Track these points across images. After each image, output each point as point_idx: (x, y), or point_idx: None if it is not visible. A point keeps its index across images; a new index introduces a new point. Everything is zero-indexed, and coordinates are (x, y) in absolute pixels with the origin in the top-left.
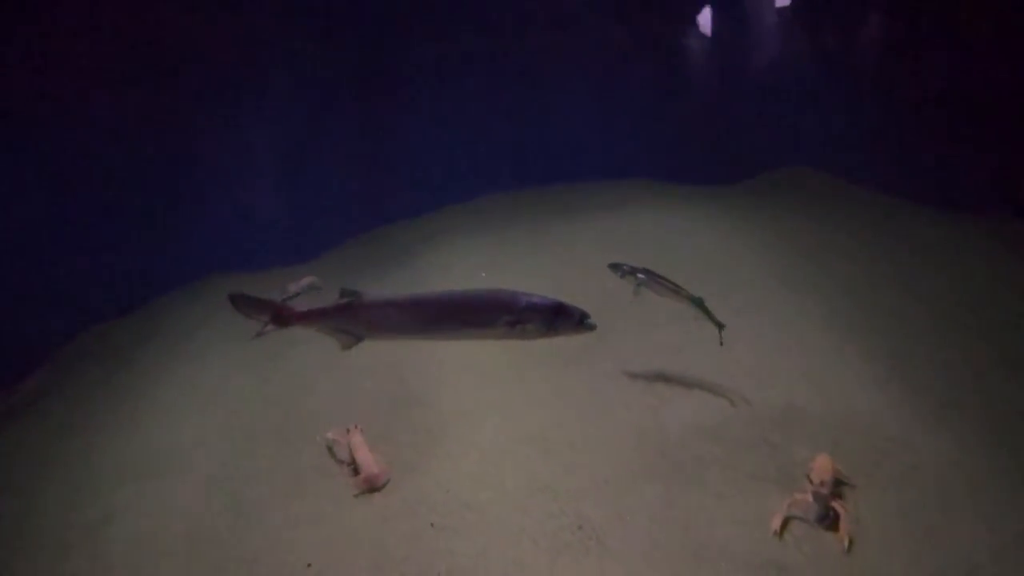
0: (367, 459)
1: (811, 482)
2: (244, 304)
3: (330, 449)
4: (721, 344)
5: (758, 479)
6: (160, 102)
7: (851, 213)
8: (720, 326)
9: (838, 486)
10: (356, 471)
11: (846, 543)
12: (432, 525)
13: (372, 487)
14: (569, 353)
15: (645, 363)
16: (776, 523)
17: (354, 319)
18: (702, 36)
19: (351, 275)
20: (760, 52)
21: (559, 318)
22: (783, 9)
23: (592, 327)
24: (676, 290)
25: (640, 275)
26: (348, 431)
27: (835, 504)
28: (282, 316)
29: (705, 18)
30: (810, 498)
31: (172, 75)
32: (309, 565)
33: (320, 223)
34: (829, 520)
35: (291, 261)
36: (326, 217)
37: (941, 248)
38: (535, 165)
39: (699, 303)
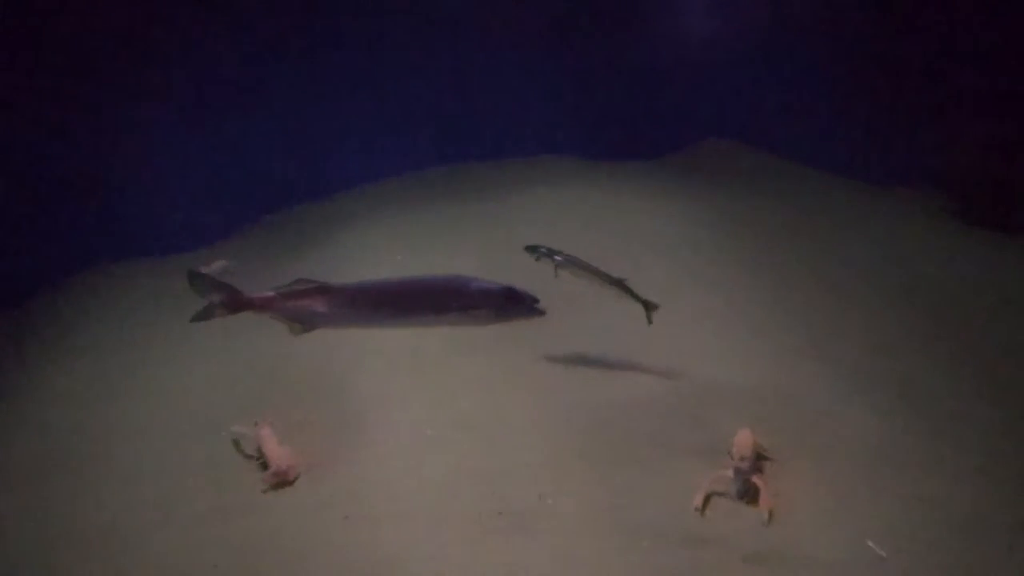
0: (276, 452)
1: (732, 457)
2: (201, 283)
3: (237, 443)
4: (650, 323)
5: (686, 454)
6: (29, 71)
7: (777, 187)
8: (649, 305)
9: (759, 460)
10: (265, 465)
11: (766, 516)
12: (346, 517)
13: (282, 481)
14: (495, 336)
15: (573, 344)
16: (698, 500)
17: (309, 306)
18: (623, 5)
19: (261, 260)
20: (683, 20)
21: (510, 303)
22: None
23: (542, 312)
24: (595, 272)
25: (557, 258)
26: (256, 424)
27: (755, 479)
28: (236, 300)
29: None
30: (731, 474)
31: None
32: (215, 566)
33: (223, 204)
34: (750, 495)
35: (191, 246)
36: (230, 198)
37: (865, 220)
38: (454, 143)
39: (620, 284)
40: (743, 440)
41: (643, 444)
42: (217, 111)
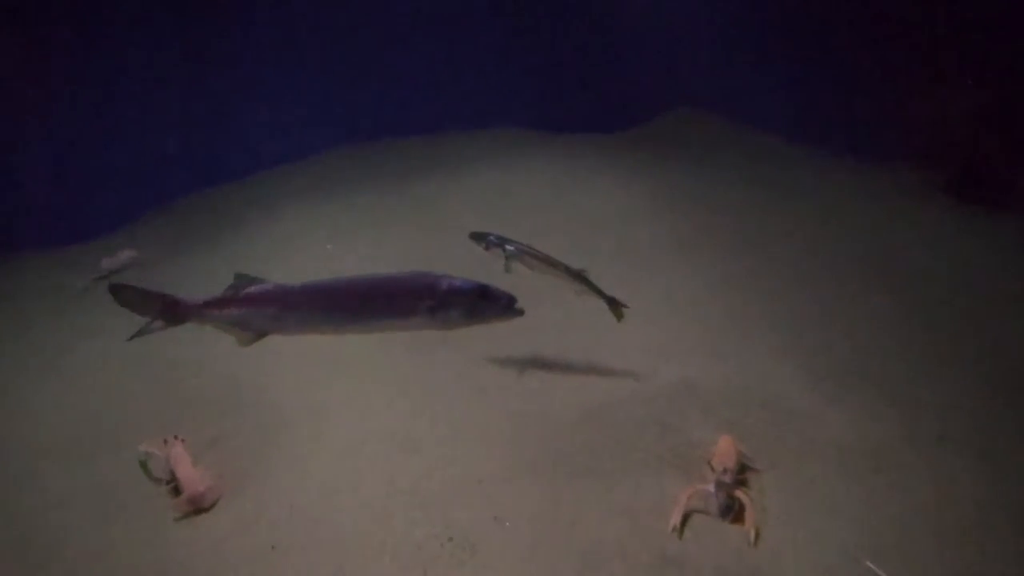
0: (190, 474)
1: (712, 469)
2: (128, 296)
3: (144, 465)
4: (619, 319)
5: (653, 466)
6: None
7: (747, 162)
8: (614, 303)
9: (742, 472)
10: (177, 490)
11: (752, 536)
12: (273, 547)
13: (197, 507)
14: (434, 336)
15: (524, 344)
16: (675, 518)
17: (257, 311)
18: None
19: (168, 250)
20: None
21: (484, 302)
22: None
23: (520, 312)
24: (552, 264)
25: (509, 247)
26: (166, 442)
27: (739, 493)
28: (174, 310)
29: None
30: (711, 488)
31: None
32: None
33: (120, 187)
34: (733, 512)
35: (84, 236)
36: (129, 179)
37: (844, 200)
38: (386, 114)
39: (580, 277)
40: (725, 449)
41: (606, 455)
42: (110, 82)
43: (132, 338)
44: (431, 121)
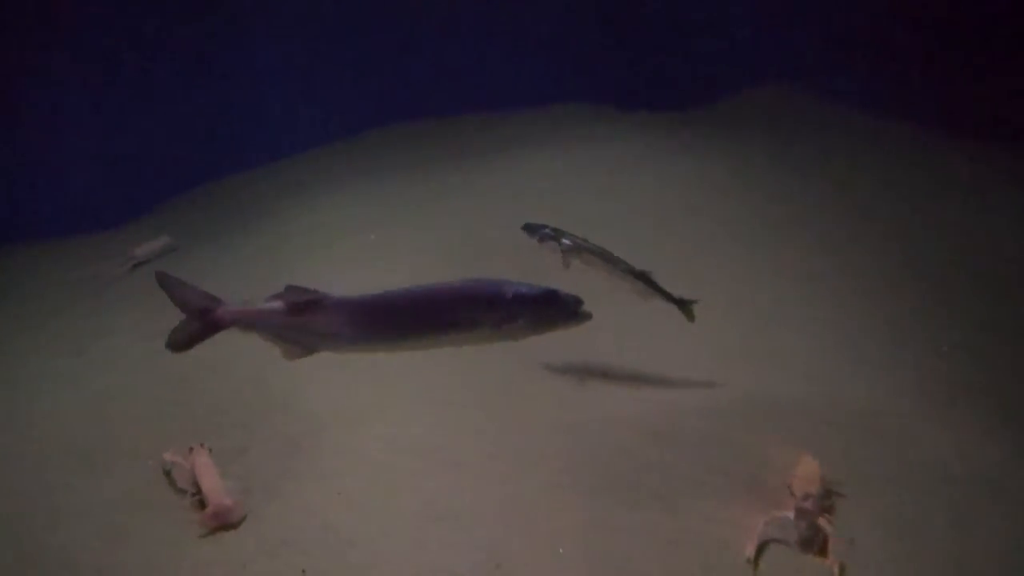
0: (216, 487)
1: (793, 494)
2: (173, 287)
3: (167, 475)
4: (691, 319)
5: (720, 490)
6: None
7: (844, 146)
8: (684, 303)
9: (827, 498)
10: (202, 503)
11: (836, 571)
12: (304, 572)
13: (224, 523)
14: None
15: (580, 348)
16: (750, 550)
17: (304, 324)
18: None
19: (201, 236)
20: None
21: (551, 310)
22: None
23: (588, 316)
24: (612, 262)
25: (565, 241)
26: (191, 451)
27: (823, 522)
28: (215, 314)
29: None
30: (791, 515)
31: None
32: None
33: (151, 170)
34: (816, 544)
35: (110, 222)
36: (159, 162)
37: (962, 190)
38: (433, 90)
39: (645, 278)
40: (807, 472)
41: (670, 476)
42: (138, 64)
43: (171, 346)
44: (484, 97)
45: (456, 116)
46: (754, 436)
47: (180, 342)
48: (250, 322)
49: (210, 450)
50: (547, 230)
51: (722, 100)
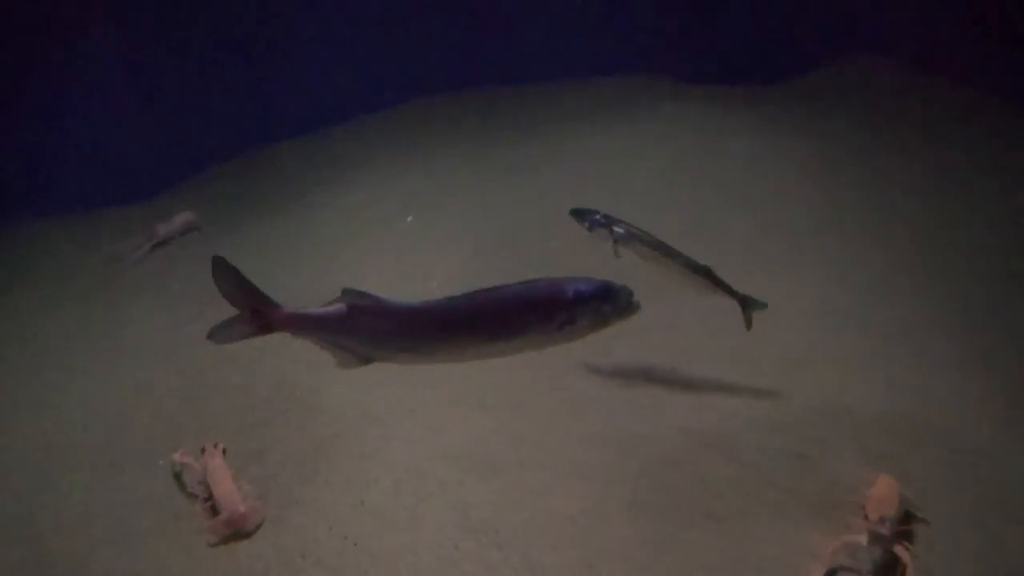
0: (230, 492)
1: (867, 517)
2: (226, 277)
3: (178, 477)
4: (748, 327)
5: (788, 510)
6: None
7: (943, 127)
8: (749, 303)
9: (905, 522)
10: (215, 509)
11: None
12: None
13: (238, 531)
14: None
15: (632, 348)
16: (817, 575)
17: (364, 331)
18: None
19: (228, 214)
20: None
21: (607, 306)
22: None
23: (638, 307)
24: (670, 256)
25: (618, 229)
26: (204, 451)
27: (899, 550)
28: (266, 315)
29: None
30: (865, 540)
31: None
32: None
33: (173, 141)
34: (892, 574)
35: (130, 198)
36: (178, 135)
37: None
38: (479, 58)
39: (707, 273)
40: (884, 493)
41: (728, 494)
42: (170, 29)
43: (212, 337)
44: (537, 66)
45: (505, 87)
46: (824, 451)
47: (224, 337)
48: (307, 327)
49: (224, 451)
50: (598, 216)
51: (806, 72)
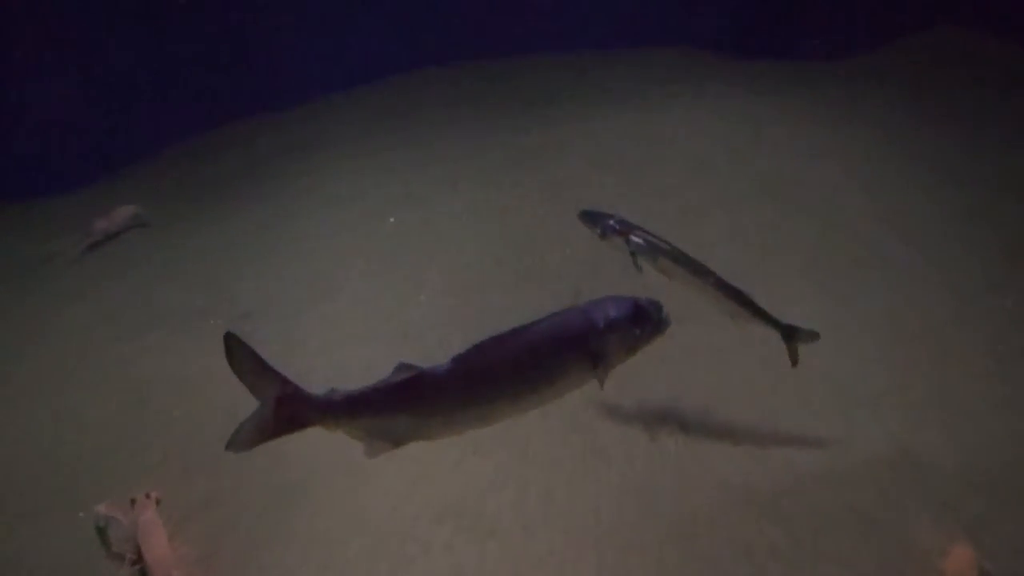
0: (162, 554)
1: None
2: (242, 358)
3: (102, 532)
4: (794, 364)
5: None
6: None
7: None
8: (795, 334)
9: None
10: (144, 573)
11: None
12: None
13: None
14: None
15: (660, 381)
16: None
17: (416, 406)
18: None
19: (180, 207)
20: None
21: (639, 328)
22: None
23: (668, 323)
24: (698, 273)
25: (635, 238)
26: (134, 502)
27: None
28: (293, 406)
29: None
30: None
31: None
32: None
33: (119, 120)
34: None
35: (67, 187)
36: (122, 114)
37: None
38: (496, 23)
39: (743, 299)
40: (961, 566)
41: (777, 564)
42: None
43: (232, 447)
44: (558, 34)
45: (517, 58)
46: (891, 513)
47: (246, 441)
48: (355, 413)
49: (158, 502)
50: (612, 222)
51: (875, 47)
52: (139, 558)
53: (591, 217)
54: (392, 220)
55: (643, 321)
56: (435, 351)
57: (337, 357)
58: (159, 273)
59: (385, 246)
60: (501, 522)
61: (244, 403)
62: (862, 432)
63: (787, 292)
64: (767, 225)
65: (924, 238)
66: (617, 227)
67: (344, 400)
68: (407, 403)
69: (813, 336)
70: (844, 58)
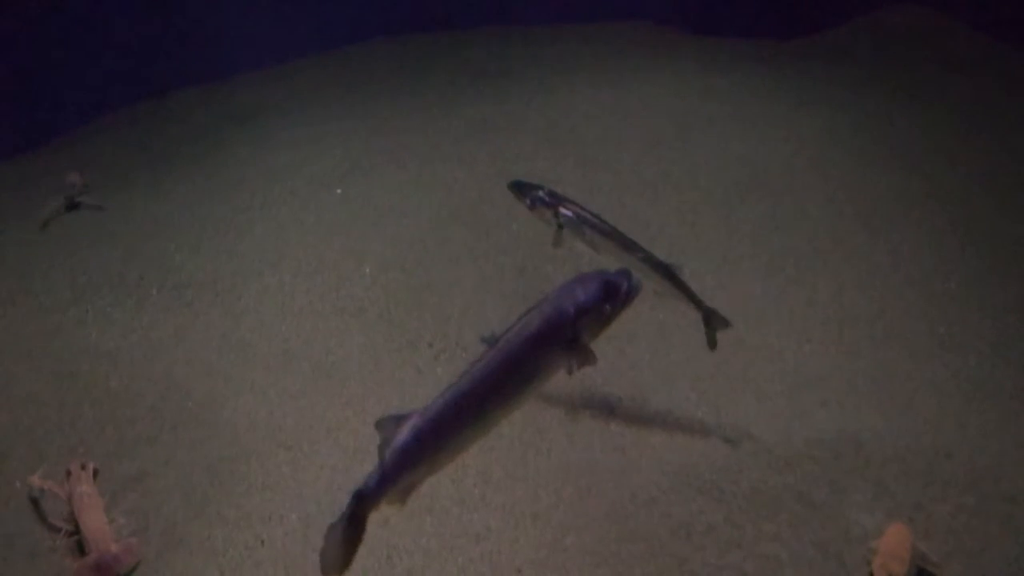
0: (100, 527)
1: (874, 571)
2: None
3: (35, 504)
4: (712, 347)
5: (786, 564)
6: None
7: (1007, 96)
8: (713, 319)
9: None
10: (81, 547)
11: None
12: None
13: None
14: (472, 343)
15: (608, 363)
16: None
17: (429, 455)
18: None
19: (119, 176)
20: None
21: (609, 302)
22: None
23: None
24: (626, 247)
25: (565, 212)
26: (69, 474)
27: None
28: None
29: None
30: None
31: None
32: None
33: (51, 83)
34: None
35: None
36: (51, 77)
37: None
38: None
39: (668, 273)
40: (896, 542)
41: (714, 544)
42: None
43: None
44: (513, 6)
45: (471, 30)
46: (832, 495)
47: (340, 562)
48: (395, 491)
49: (96, 473)
50: (541, 193)
51: (835, 26)
52: (76, 530)
53: (521, 188)
54: (339, 192)
55: (613, 296)
56: (377, 324)
57: (279, 330)
58: (94, 243)
59: (329, 218)
60: (438, 499)
61: (180, 377)
62: (807, 416)
63: (735, 272)
64: (718, 203)
65: (877, 220)
66: (547, 199)
67: (388, 481)
68: (424, 454)
69: (724, 323)
70: (807, 35)
